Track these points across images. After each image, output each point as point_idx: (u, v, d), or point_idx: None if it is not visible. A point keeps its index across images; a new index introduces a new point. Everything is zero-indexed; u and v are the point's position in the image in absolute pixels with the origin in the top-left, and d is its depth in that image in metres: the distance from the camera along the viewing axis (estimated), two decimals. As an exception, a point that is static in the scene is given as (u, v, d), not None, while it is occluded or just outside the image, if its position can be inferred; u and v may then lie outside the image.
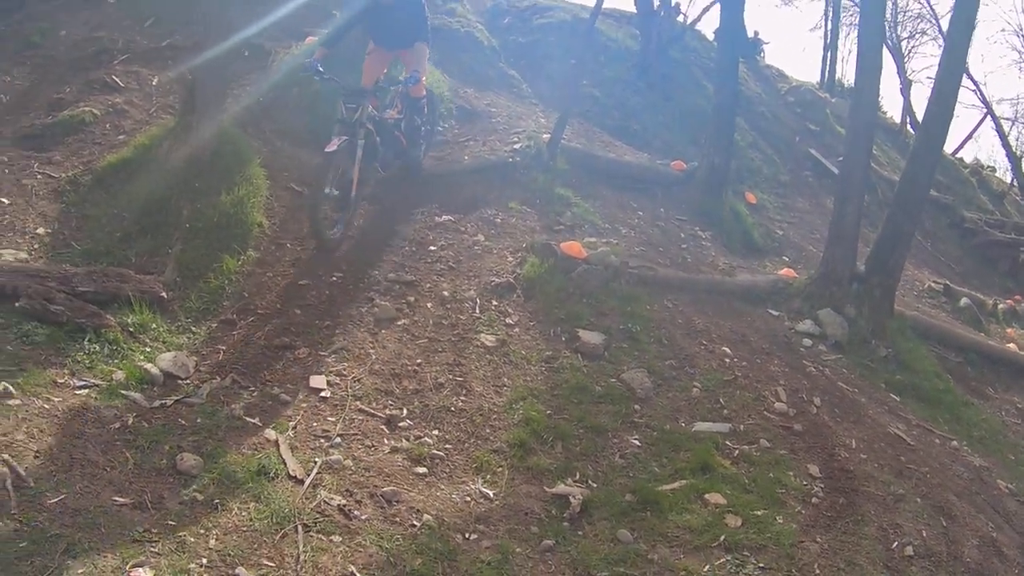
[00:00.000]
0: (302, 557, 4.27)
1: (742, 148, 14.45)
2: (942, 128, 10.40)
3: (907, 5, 26.17)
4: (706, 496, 5.53)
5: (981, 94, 34.39)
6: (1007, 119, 33.05)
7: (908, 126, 26.02)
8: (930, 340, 11.00)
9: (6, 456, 4.33)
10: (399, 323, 6.94)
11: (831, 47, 26.71)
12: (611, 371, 6.86)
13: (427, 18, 8.88)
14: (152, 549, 4.06)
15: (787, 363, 7.87)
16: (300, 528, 4.46)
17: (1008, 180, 32.85)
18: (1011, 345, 13.56)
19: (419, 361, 6.49)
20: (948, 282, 15.96)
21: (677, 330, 7.75)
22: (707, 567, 4.92)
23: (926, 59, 38.46)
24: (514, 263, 8.12)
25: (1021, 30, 34.18)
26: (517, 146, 10.36)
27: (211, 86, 8.44)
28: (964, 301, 14.88)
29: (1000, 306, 17.00)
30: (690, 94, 15.75)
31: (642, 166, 11.85)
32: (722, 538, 5.16)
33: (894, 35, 25.99)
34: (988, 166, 36.58)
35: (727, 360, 7.51)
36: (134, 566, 3.87)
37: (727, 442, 6.29)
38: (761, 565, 5.03)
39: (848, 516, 5.74)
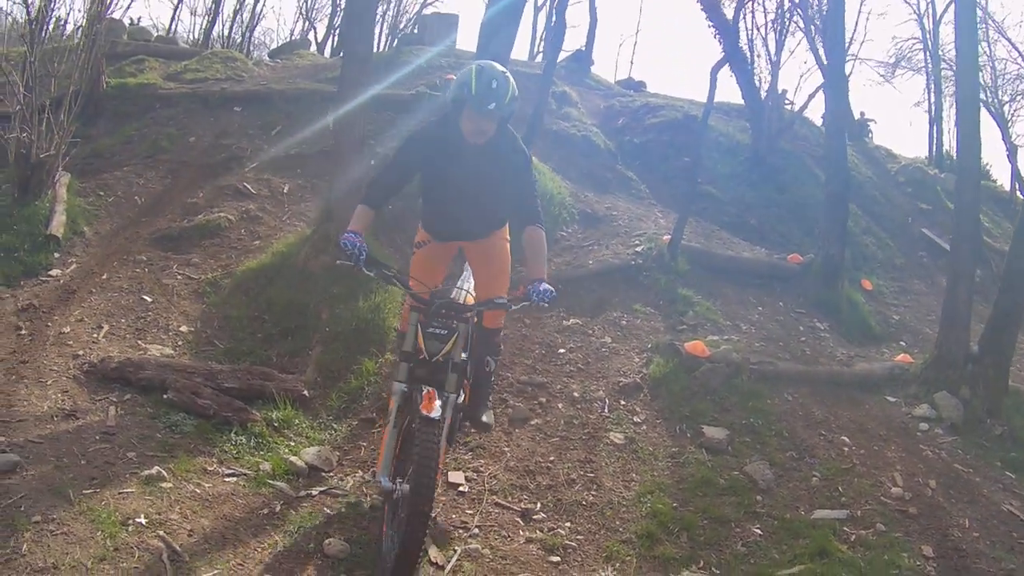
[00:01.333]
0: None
1: (856, 234, 14.68)
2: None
3: (1005, 68, 25.72)
4: None
5: None
6: None
7: (1018, 192, 25.54)
8: None
9: (161, 532, 4.86)
10: (532, 423, 7.50)
11: (936, 120, 26.62)
12: (734, 464, 7.26)
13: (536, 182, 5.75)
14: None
15: (904, 448, 8.16)
16: (441, 611, 4.83)
17: None
18: None
19: (552, 458, 7.00)
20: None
21: (797, 422, 8.11)
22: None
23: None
24: (640, 363, 8.64)
25: None
26: (639, 248, 10.93)
27: (344, 195, 9.00)
28: None
29: None
30: (803, 184, 16.03)
31: (760, 261, 12.29)
32: None
33: (996, 100, 25.60)
34: None
35: (845, 449, 7.83)
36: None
37: (844, 528, 6.59)
38: None
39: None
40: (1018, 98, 27.16)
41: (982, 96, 16.12)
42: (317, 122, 12.47)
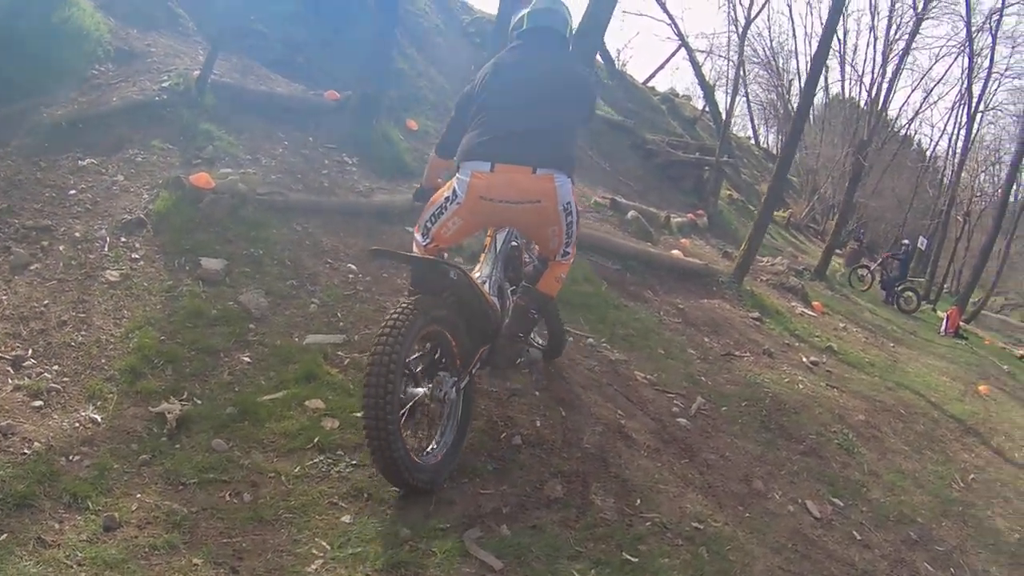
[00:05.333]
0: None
1: (411, 77, 14.88)
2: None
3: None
4: (307, 403, 5.84)
5: (676, 27, 36.77)
6: (702, 52, 35.21)
7: (598, 56, 27.15)
8: (586, 250, 11.75)
9: None
10: (32, 268, 6.97)
11: (518, -24, 27.17)
12: (230, 295, 7.06)
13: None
14: None
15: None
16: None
17: (700, 107, 35.17)
18: (675, 252, 14.63)
19: (46, 302, 6.55)
20: (616, 196, 16.85)
21: (303, 252, 8.02)
22: (298, 468, 5.23)
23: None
24: (148, 200, 8.19)
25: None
26: (166, 84, 10.30)
27: None
28: (632, 214, 15.86)
29: (675, 219, 18.28)
30: (363, 26, 15.50)
31: (294, 97, 11.95)
32: (316, 440, 5.49)
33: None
34: (684, 95, 39.09)
35: (351, 276, 7.86)
36: None
37: (339, 352, 6.62)
38: (354, 462, 5.36)
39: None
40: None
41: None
42: None
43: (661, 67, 71.49)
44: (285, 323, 6.95)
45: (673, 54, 53.04)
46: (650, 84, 35.43)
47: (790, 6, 61.36)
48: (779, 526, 6.48)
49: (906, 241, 28.91)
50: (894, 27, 32.41)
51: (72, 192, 8.26)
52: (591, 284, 10.68)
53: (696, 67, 35.82)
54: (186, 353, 6.24)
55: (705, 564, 5.41)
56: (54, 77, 10.01)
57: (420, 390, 5.13)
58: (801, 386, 10.44)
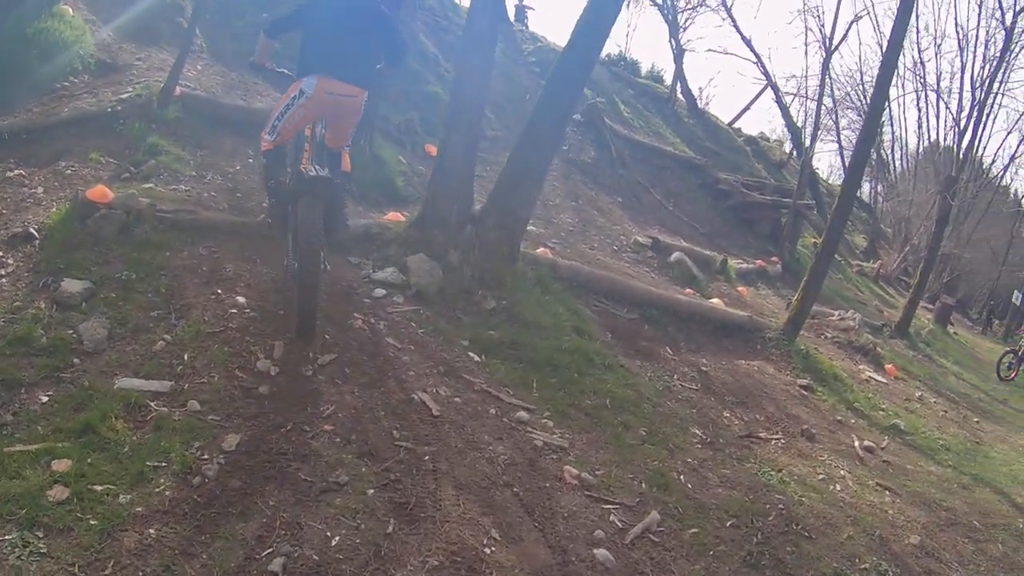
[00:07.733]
0: None
1: (447, 102, 13.90)
2: (592, 48, 9.47)
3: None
4: (55, 463, 4.59)
5: (763, 66, 35.52)
6: (790, 93, 33.91)
7: (679, 94, 26.71)
8: (594, 293, 10.15)
9: None
10: None
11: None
12: (74, 322, 5.94)
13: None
14: None
15: (327, 315, 6.85)
16: None
17: (787, 150, 33.88)
18: (714, 300, 12.73)
19: None
20: (661, 236, 15.42)
21: (193, 278, 6.83)
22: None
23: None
24: (51, 213, 7.30)
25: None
26: (125, 96, 9.49)
27: None
28: (676, 256, 14.24)
29: (737, 264, 16.57)
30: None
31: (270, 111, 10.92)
32: (24, 511, 4.21)
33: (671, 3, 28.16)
34: (775, 139, 37.73)
35: (233, 311, 6.54)
36: None
37: (150, 403, 5.31)
38: (43, 550, 4.04)
39: (227, 505, 4.64)
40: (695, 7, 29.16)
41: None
42: None
43: (747, 108, 69.51)
44: (116, 361, 5.74)
45: (759, 94, 51.84)
46: (736, 125, 33.68)
47: (881, 45, 58.32)
48: None
49: None
50: (983, 55, 28.75)
51: (-13, 204, 7.43)
52: (583, 337, 8.71)
53: (783, 108, 33.87)
54: (-16, 385, 5.13)
55: None
56: (23, 87, 9.50)
57: None
58: (838, 487, 7.83)
